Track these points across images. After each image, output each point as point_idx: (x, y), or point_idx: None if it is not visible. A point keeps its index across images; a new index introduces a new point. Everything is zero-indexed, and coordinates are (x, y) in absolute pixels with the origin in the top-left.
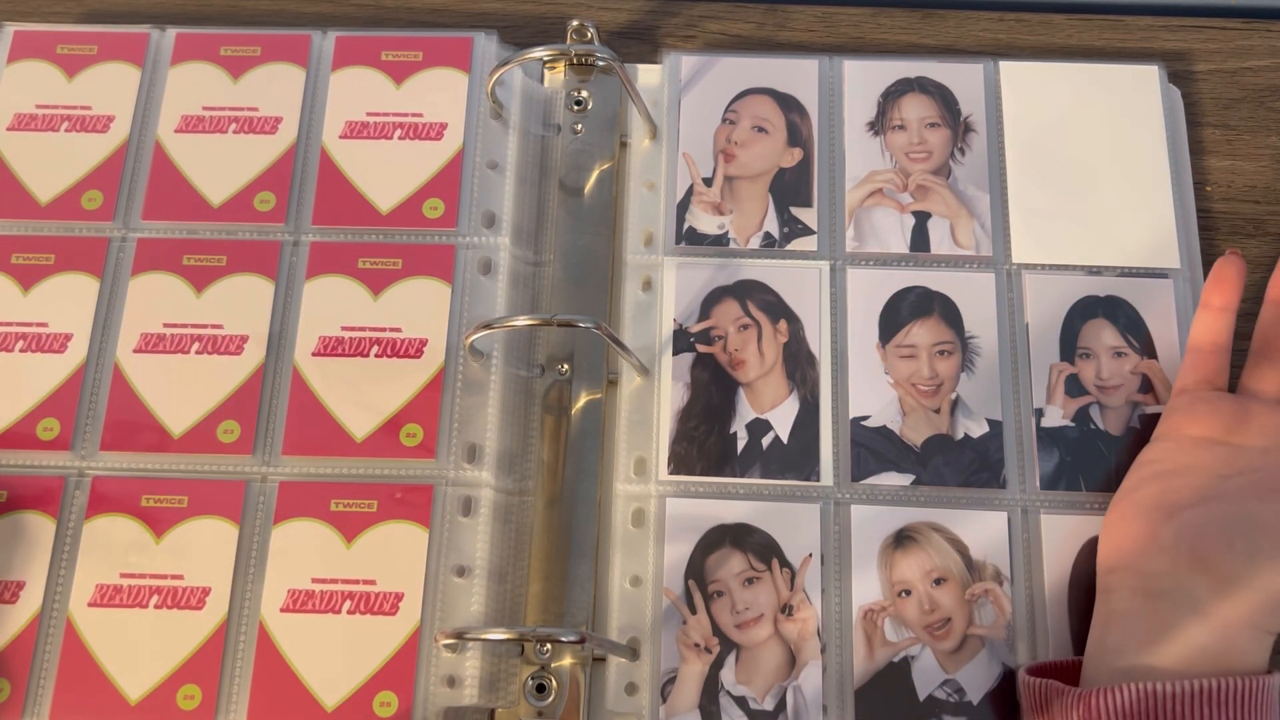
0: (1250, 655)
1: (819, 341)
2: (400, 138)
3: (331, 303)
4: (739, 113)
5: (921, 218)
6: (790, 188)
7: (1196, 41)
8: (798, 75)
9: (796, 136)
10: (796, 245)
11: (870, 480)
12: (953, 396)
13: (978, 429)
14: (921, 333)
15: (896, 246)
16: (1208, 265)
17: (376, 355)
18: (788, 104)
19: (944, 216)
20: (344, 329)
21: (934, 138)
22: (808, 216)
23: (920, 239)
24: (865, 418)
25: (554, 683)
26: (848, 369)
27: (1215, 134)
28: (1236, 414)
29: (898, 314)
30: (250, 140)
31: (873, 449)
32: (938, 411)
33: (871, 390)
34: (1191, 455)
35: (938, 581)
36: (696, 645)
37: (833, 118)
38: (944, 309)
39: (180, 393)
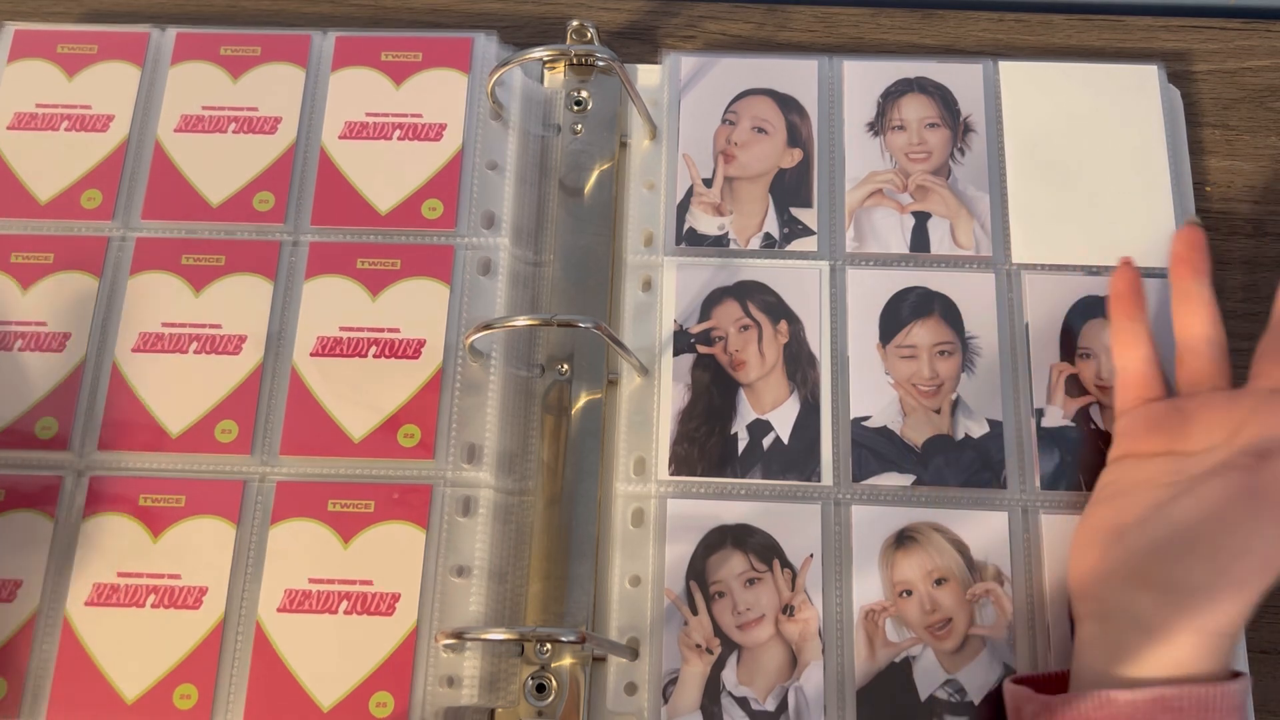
0: (1208, 661)
1: (819, 342)
2: (400, 138)
3: (330, 303)
4: (739, 113)
5: (921, 218)
6: (790, 188)
7: (1196, 41)
8: (797, 76)
9: (796, 137)
10: (797, 246)
11: (871, 480)
12: (953, 397)
13: (978, 429)
14: (922, 333)
15: (896, 247)
16: None
17: (375, 355)
18: (787, 104)
19: (944, 217)
20: (342, 329)
21: (934, 138)
22: (808, 217)
23: (920, 239)
24: (866, 418)
25: (554, 682)
26: (848, 369)
27: (1215, 134)
28: (1176, 421)
29: (898, 314)
30: (250, 140)
31: (873, 449)
32: (938, 412)
33: (872, 391)
34: (1139, 472)
35: (939, 582)
36: (698, 646)
37: (832, 118)
38: (944, 309)
39: (178, 392)
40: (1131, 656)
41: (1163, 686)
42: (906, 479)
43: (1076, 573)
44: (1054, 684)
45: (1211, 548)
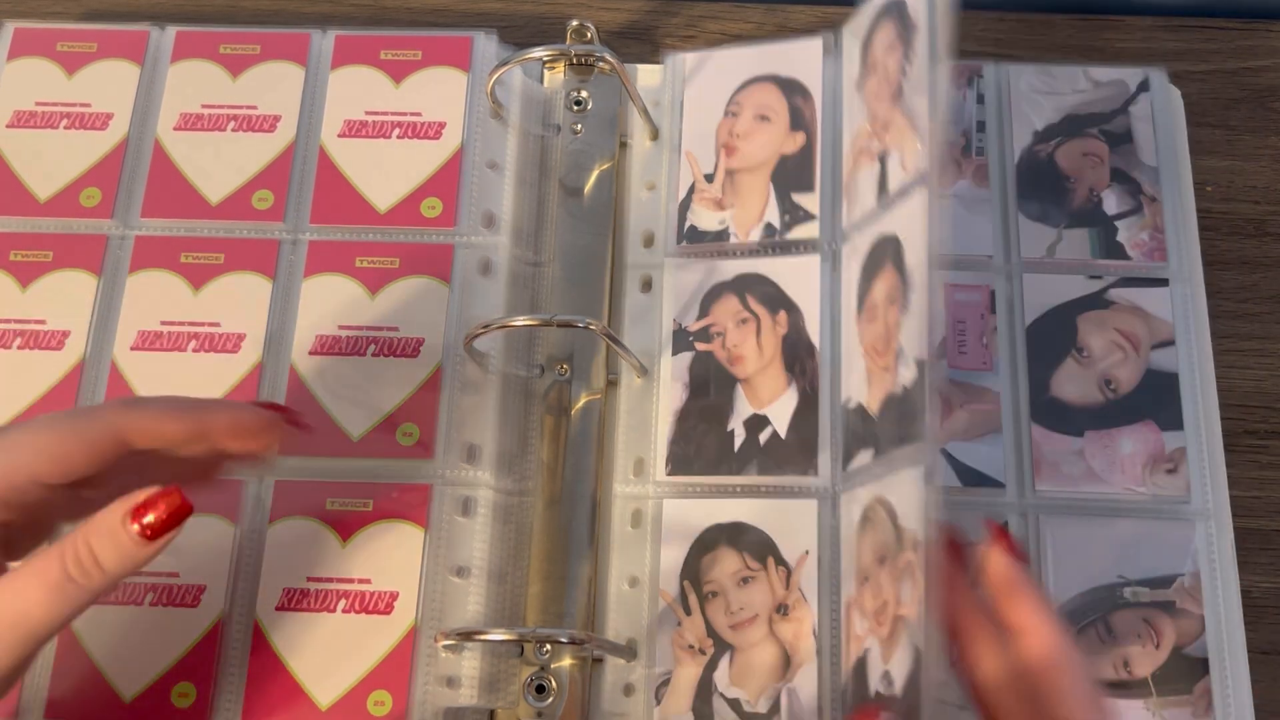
0: None
1: (819, 330)
2: (399, 137)
3: (329, 301)
4: (741, 104)
5: (884, 160)
6: (792, 174)
7: (1196, 41)
8: (801, 57)
9: (799, 120)
10: (797, 232)
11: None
12: None
13: None
14: None
15: (868, 202)
16: (1208, 265)
17: (373, 354)
18: (790, 88)
19: (895, 149)
20: (341, 328)
21: (890, 61)
22: (809, 202)
23: (883, 183)
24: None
25: (554, 683)
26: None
27: (1215, 134)
28: None
29: None
30: (249, 138)
31: None
32: None
33: None
34: None
35: (880, 560)
36: (691, 647)
37: (836, 93)
38: None
39: (177, 391)
40: None
41: None
42: None
43: None
44: None
45: None
